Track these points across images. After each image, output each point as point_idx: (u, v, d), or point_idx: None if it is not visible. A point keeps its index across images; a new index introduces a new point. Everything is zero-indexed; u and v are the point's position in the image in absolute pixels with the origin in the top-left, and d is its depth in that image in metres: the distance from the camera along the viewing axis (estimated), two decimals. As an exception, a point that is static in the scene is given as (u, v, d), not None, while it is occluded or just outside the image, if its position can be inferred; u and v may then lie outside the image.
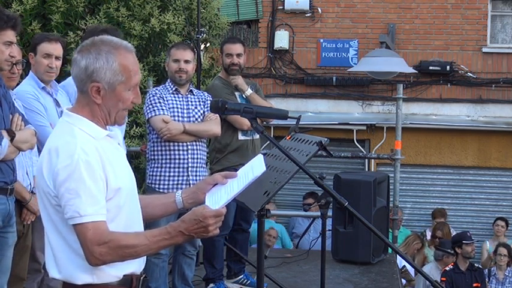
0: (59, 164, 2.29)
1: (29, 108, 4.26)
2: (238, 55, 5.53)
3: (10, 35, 3.80)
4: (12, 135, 3.74)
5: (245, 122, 5.10)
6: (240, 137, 5.48)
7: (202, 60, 7.40)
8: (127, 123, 7.31)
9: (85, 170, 2.28)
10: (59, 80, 4.73)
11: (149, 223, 2.63)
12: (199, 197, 2.58)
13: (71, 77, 4.62)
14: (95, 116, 2.41)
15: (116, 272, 2.38)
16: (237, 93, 5.55)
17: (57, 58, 4.50)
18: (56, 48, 4.50)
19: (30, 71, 4.50)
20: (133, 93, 2.45)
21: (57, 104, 4.48)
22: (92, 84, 2.37)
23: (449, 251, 8.57)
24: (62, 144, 2.32)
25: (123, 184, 2.39)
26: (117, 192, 2.36)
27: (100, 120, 2.42)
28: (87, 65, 2.36)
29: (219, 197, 2.47)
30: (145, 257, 2.50)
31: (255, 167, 2.52)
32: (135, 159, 7.72)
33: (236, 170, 2.65)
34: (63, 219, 2.30)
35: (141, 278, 2.49)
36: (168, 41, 7.75)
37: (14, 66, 4.11)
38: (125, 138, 7.23)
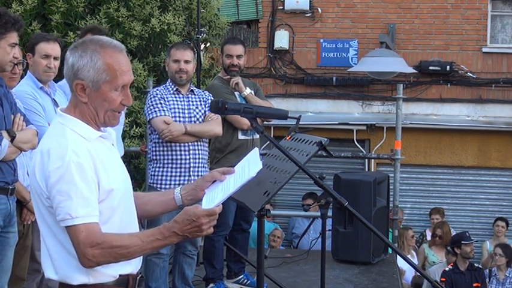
0: (50, 166, 2.29)
1: (27, 108, 4.26)
2: (239, 56, 5.52)
3: (15, 37, 3.82)
4: (12, 136, 3.74)
5: (245, 122, 5.10)
6: (240, 136, 5.48)
7: (202, 60, 7.39)
8: (127, 123, 7.32)
9: (76, 172, 2.27)
10: (58, 80, 4.73)
11: (150, 221, 2.64)
12: (198, 194, 2.58)
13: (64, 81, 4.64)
14: (84, 115, 2.41)
15: (111, 271, 2.38)
16: (236, 93, 5.55)
17: (55, 58, 4.50)
18: (54, 49, 4.50)
19: (28, 71, 4.50)
20: (122, 94, 2.41)
21: (55, 103, 4.48)
22: (76, 81, 2.37)
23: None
24: (54, 146, 2.32)
25: (116, 185, 2.38)
26: (110, 193, 2.35)
27: (90, 120, 2.41)
28: (73, 62, 2.37)
29: (215, 196, 2.47)
30: (141, 257, 2.51)
31: (251, 164, 2.52)
32: (135, 159, 7.71)
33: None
34: (56, 220, 2.30)
35: (138, 277, 2.49)
36: (168, 41, 7.75)
37: (16, 66, 4.11)
38: (124, 138, 7.25)
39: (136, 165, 7.66)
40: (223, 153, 5.47)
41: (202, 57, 7.46)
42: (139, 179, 7.41)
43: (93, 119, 2.42)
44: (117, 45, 2.42)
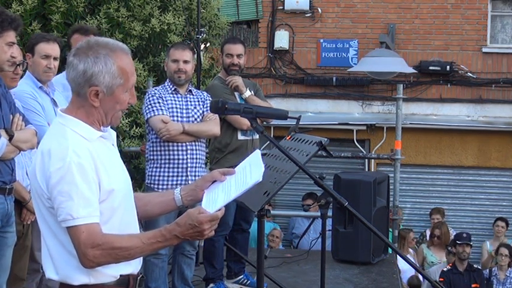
0: (51, 167, 2.29)
1: (27, 108, 4.25)
2: (239, 55, 5.52)
3: (12, 36, 3.81)
4: (10, 135, 3.73)
5: (245, 122, 5.10)
6: (240, 137, 5.48)
7: (202, 60, 7.39)
8: (127, 124, 7.32)
9: (77, 172, 2.27)
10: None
11: (148, 222, 2.64)
12: (198, 194, 2.58)
13: (57, 76, 4.65)
14: (89, 117, 2.41)
15: (112, 272, 2.38)
16: (236, 93, 5.55)
17: (55, 59, 4.50)
18: (54, 49, 4.51)
19: (27, 71, 4.49)
20: (129, 94, 2.44)
21: (55, 103, 4.48)
22: (90, 88, 2.36)
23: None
24: (54, 147, 2.32)
25: (116, 186, 2.38)
26: (111, 193, 2.35)
27: (95, 122, 2.42)
28: (85, 69, 2.35)
29: (216, 198, 2.46)
30: (141, 257, 2.51)
31: (253, 166, 2.51)
32: (135, 159, 7.71)
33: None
34: (57, 221, 2.30)
35: (138, 277, 2.49)
36: (168, 41, 7.74)
37: (18, 67, 4.11)
38: (124, 138, 7.25)
39: (136, 165, 7.65)
40: (222, 154, 5.46)
41: (202, 57, 7.45)
42: (139, 179, 7.41)
43: (100, 121, 2.43)
44: (124, 48, 2.43)
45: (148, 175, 5.09)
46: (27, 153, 4.09)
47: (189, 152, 5.02)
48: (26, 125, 3.93)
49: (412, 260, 8.25)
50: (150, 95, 5.08)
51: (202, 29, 7.09)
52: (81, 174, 2.28)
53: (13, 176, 3.83)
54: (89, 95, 2.37)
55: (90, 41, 2.42)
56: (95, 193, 2.30)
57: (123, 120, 7.24)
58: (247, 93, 5.54)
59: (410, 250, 9.14)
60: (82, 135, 2.37)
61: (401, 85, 7.57)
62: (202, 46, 8.51)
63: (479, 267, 9.06)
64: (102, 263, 2.30)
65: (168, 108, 5.02)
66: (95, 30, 5.14)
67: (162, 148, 5.00)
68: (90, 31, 4.93)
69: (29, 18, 7.44)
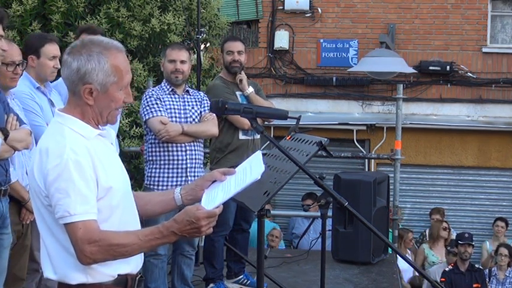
0: (49, 164, 2.29)
1: (25, 108, 4.25)
2: (239, 52, 5.52)
3: None
4: (5, 134, 3.71)
5: (246, 122, 5.09)
6: (241, 136, 5.48)
7: (202, 60, 7.38)
8: (127, 123, 7.32)
9: (74, 169, 2.28)
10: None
11: (147, 220, 2.64)
12: (198, 194, 2.58)
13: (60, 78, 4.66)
14: (85, 116, 2.41)
15: (110, 271, 2.38)
16: (237, 93, 5.54)
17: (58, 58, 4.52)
18: (58, 49, 4.54)
19: (25, 72, 4.48)
20: (124, 92, 2.44)
21: (52, 103, 4.48)
22: (84, 86, 2.36)
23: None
24: (52, 145, 2.33)
25: (114, 183, 2.38)
26: (109, 191, 2.35)
27: (91, 120, 2.42)
28: (78, 66, 2.36)
29: (215, 196, 2.47)
30: (142, 257, 2.51)
31: (253, 168, 2.51)
32: (135, 159, 7.72)
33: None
34: (55, 219, 2.30)
35: (137, 277, 2.49)
36: (168, 41, 7.74)
37: (17, 66, 4.10)
38: (124, 138, 7.25)
39: (136, 165, 7.66)
40: (223, 153, 5.46)
41: (202, 57, 7.45)
42: (139, 179, 7.41)
43: (96, 120, 2.43)
44: (118, 46, 2.43)
45: (147, 176, 5.08)
46: (27, 153, 4.08)
47: (188, 152, 5.01)
48: (20, 125, 3.91)
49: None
50: (147, 96, 5.06)
51: (202, 29, 7.09)
52: (79, 171, 2.28)
53: (7, 177, 3.80)
54: (82, 93, 2.37)
55: (84, 39, 2.44)
56: (92, 190, 2.30)
57: (123, 120, 7.24)
58: (250, 89, 5.54)
59: (408, 250, 9.13)
60: (80, 133, 2.38)
61: (401, 85, 7.57)
62: (202, 46, 8.51)
63: (480, 267, 9.07)
64: (99, 260, 2.30)
65: (166, 109, 5.01)
66: (102, 31, 5.12)
67: (161, 149, 4.99)
68: (98, 31, 4.93)
69: (29, 18, 7.44)
